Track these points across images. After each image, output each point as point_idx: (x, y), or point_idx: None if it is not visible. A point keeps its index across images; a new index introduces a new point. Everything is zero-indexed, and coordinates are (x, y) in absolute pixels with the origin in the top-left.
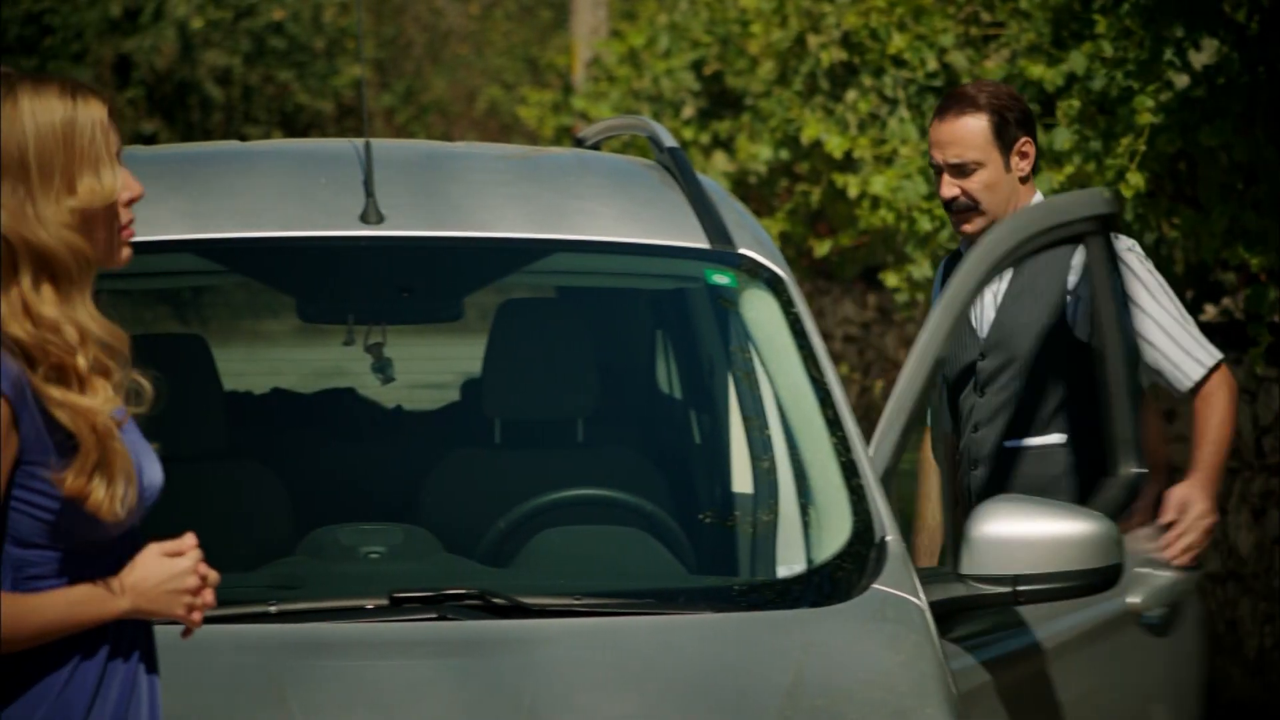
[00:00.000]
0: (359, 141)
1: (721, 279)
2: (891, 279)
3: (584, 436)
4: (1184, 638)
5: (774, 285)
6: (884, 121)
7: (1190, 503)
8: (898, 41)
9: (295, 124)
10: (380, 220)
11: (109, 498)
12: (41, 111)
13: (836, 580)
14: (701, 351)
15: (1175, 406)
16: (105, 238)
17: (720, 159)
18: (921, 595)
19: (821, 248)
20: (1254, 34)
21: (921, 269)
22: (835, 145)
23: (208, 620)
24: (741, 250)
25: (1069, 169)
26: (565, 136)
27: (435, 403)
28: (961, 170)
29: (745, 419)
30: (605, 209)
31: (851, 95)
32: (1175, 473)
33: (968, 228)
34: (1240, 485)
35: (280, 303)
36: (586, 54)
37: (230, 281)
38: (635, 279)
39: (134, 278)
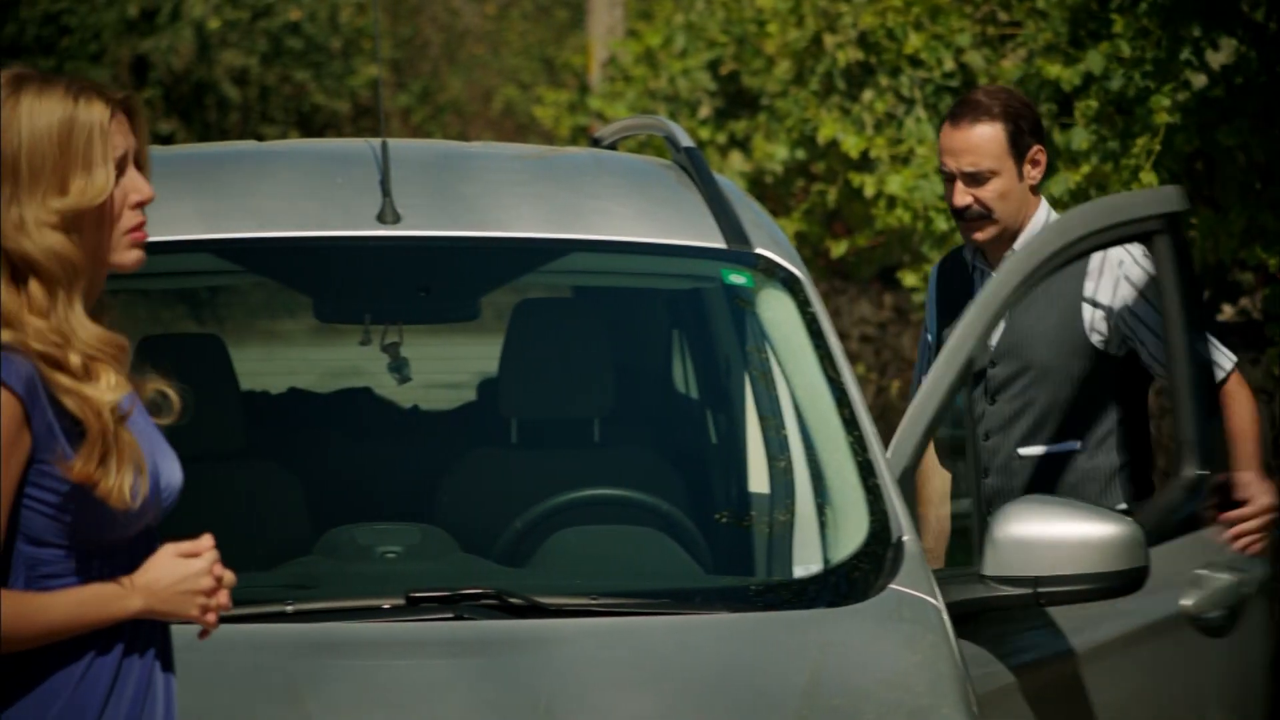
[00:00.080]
0: (375, 141)
1: (738, 279)
2: (908, 279)
3: (600, 436)
4: (1247, 641)
5: (790, 285)
6: (900, 121)
7: (1253, 490)
8: (914, 41)
9: (312, 124)
10: (397, 220)
11: (118, 485)
12: (40, 112)
13: (853, 580)
14: (718, 351)
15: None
16: (95, 240)
17: (736, 159)
18: (938, 595)
19: (838, 249)
20: (1272, 33)
21: None
22: (851, 145)
23: (224, 620)
24: (758, 250)
25: (1086, 169)
26: (581, 136)
27: (452, 402)
28: (976, 179)
29: (762, 419)
30: (622, 209)
31: (868, 95)
32: None
33: (979, 236)
34: None
35: (297, 302)
36: (603, 54)
37: (247, 281)
38: (652, 279)
39: (151, 278)
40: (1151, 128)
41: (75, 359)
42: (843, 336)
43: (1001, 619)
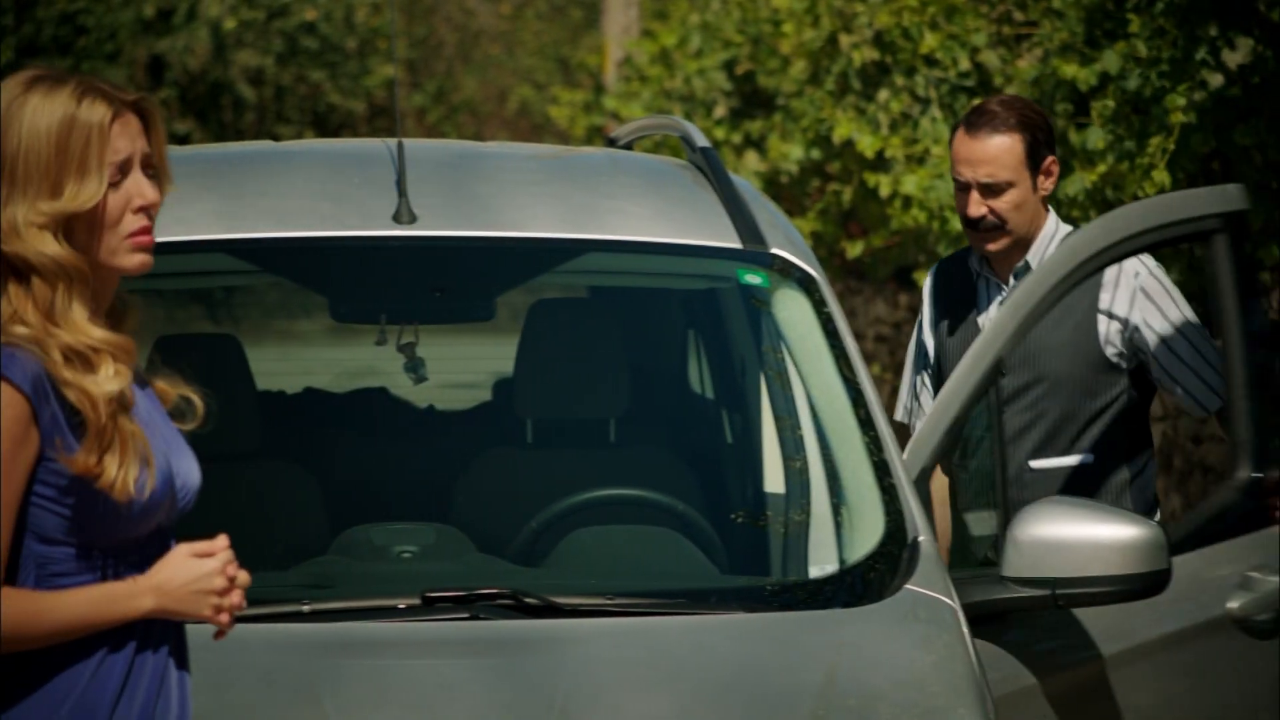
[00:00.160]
0: (391, 141)
1: (754, 279)
2: (924, 279)
3: (616, 436)
4: None
5: (806, 285)
6: (916, 121)
7: None
8: (930, 41)
9: (327, 124)
10: (413, 220)
11: (121, 477)
12: (43, 112)
13: (869, 580)
14: (733, 351)
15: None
16: (90, 245)
17: (752, 159)
18: (954, 596)
19: (854, 249)
20: None
21: None
22: (867, 145)
23: (240, 620)
24: (774, 250)
25: (1102, 168)
26: (597, 136)
27: (467, 403)
28: (992, 190)
29: (777, 419)
30: (637, 209)
31: (883, 95)
32: (1208, 472)
33: (992, 247)
34: None
35: (313, 302)
36: (618, 54)
37: (263, 281)
38: (667, 279)
39: (167, 278)
40: (1167, 127)
41: (76, 355)
42: (858, 336)
43: (1029, 620)
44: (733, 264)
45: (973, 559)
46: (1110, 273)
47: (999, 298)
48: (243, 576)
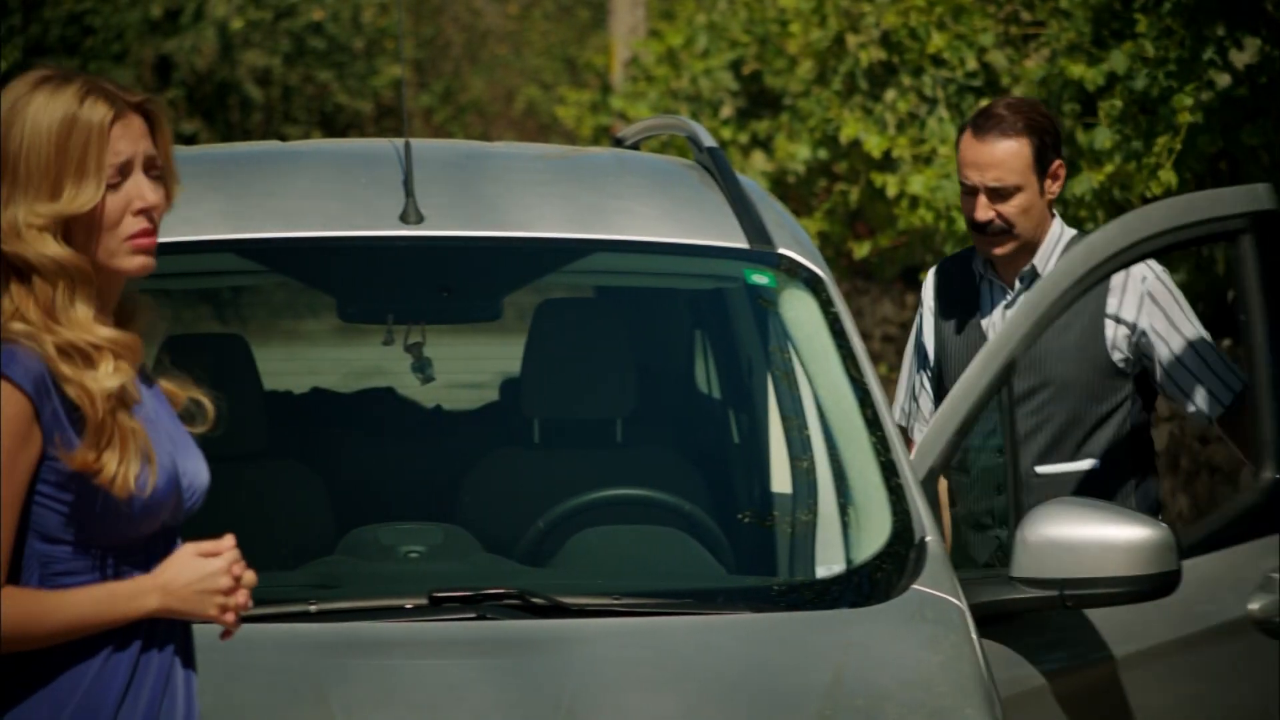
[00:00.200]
0: (398, 141)
1: (760, 279)
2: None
3: (623, 436)
4: None
5: (813, 285)
6: (923, 121)
7: None
8: (937, 41)
9: (334, 124)
10: (420, 220)
11: (121, 473)
12: (44, 112)
13: (876, 580)
14: (740, 351)
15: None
16: (89, 246)
17: (759, 159)
18: (961, 596)
19: (861, 250)
20: None
21: None
22: (874, 145)
23: (247, 619)
24: (780, 250)
25: (1109, 168)
26: (604, 136)
27: (474, 402)
28: (1000, 194)
29: (784, 419)
30: (644, 209)
31: (890, 95)
32: (1215, 472)
33: (999, 251)
34: None
35: (320, 302)
36: (625, 54)
37: (270, 281)
38: (674, 279)
39: (174, 277)
40: (1174, 127)
41: (76, 351)
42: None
43: (1041, 620)
44: (739, 264)
45: (972, 562)
46: (1117, 277)
47: (1003, 301)
48: (249, 576)
